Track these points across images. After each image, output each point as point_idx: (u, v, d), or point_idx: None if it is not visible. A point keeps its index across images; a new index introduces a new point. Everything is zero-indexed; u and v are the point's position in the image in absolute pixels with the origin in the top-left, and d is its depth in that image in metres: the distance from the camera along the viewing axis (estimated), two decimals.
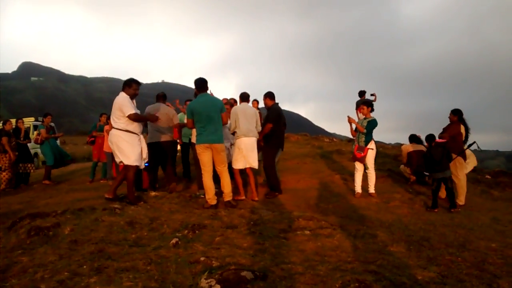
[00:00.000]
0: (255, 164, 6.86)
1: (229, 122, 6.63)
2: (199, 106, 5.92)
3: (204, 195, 6.34)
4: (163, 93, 7.67)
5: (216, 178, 6.27)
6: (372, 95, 11.39)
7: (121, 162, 5.92)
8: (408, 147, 9.01)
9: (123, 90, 5.93)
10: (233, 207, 5.89)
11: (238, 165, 6.76)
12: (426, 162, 7.08)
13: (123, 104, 5.76)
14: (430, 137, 7.21)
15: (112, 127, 5.87)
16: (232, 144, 7.08)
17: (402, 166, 9.15)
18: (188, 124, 6.14)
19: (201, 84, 6.11)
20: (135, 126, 5.88)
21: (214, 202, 6.00)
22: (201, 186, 6.78)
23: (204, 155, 6.00)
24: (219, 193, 6.23)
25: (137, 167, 5.91)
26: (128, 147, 5.79)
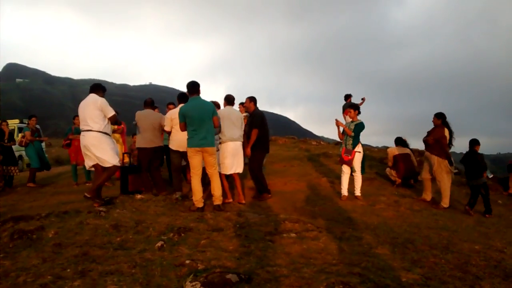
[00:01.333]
0: (240, 168, 6.87)
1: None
2: (191, 109, 5.90)
3: (181, 197, 6.41)
4: (151, 99, 7.63)
5: (203, 182, 6.30)
6: (362, 99, 11.45)
7: (92, 166, 6.00)
8: (393, 150, 9.08)
9: (96, 92, 5.96)
10: (221, 211, 5.87)
11: (225, 170, 6.72)
12: (470, 169, 7.20)
13: (106, 105, 5.82)
14: (472, 142, 7.36)
15: (86, 130, 5.79)
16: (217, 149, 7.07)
17: (388, 169, 9.23)
18: (180, 127, 6.11)
19: (193, 87, 6.07)
20: (110, 128, 6.03)
21: (201, 204, 5.99)
22: (178, 189, 6.90)
23: (195, 159, 5.98)
24: (208, 196, 6.24)
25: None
26: (112, 148, 5.87)
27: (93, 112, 5.74)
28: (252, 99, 7.44)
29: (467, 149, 7.33)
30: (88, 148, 5.79)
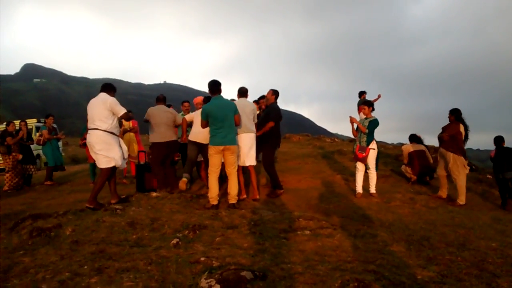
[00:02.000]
0: (253, 161, 6.88)
1: None
2: (215, 108, 5.99)
3: (188, 181, 6.71)
4: (163, 95, 7.70)
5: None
6: (378, 96, 11.36)
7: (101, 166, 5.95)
8: (408, 147, 9.01)
9: (107, 92, 5.94)
10: (235, 209, 5.90)
11: (239, 162, 6.72)
12: (497, 163, 7.41)
13: (115, 104, 5.79)
14: (498, 139, 7.54)
15: (93, 128, 5.76)
16: None
17: (403, 166, 9.15)
18: (202, 125, 6.20)
19: (215, 86, 6.18)
20: (118, 129, 6.02)
21: (215, 202, 6.04)
22: (186, 171, 6.95)
23: (216, 157, 6.06)
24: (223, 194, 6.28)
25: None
26: (118, 149, 5.87)
27: (102, 112, 5.73)
28: (275, 92, 7.41)
29: (486, 146, 7.42)
30: (92, 146, 5.76)
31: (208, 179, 6.19)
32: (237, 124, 6.27)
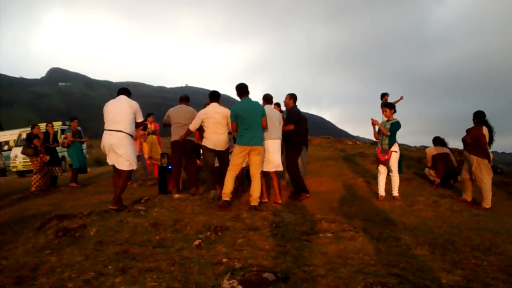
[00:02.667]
0: (279, 167, 6.88)
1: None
2: (244, 110, 6.10)
3: (216, 196, 6.62)
4: (186, 95, 7.76)
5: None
6: (400, 98, 11.27)
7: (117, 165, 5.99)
8: (432, 150, 8.87)
9: (126, 95, 6.09)
10: (257, 211, 5.90)
11: (264, 167, 6.71)
12: None
13: (139, 110, 5.98)
14: None
15: (116, 130, 5.81)
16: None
17: (426, 169, 9.02)
18: (232, 127, 6.28)
19: (242, 89, 6.32)
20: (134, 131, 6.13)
21: (228, 198, 6.13)
22: (210, 188, 6.96)
23: (239, 157, 6.12)
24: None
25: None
26: (132, 152, 5.95)
27: (129, 115, 5.85)
28: (292, 96, 7.41)
29: None
30: (115, 147, 5.76)
31: (225, 176, 6.23)
32: (264, 127, 6.33)
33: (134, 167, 6.01)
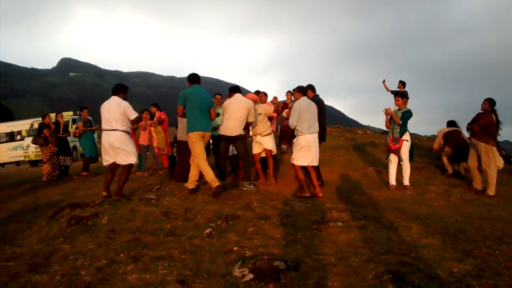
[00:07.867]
0: (316, 162, 6.78)
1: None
2: (193, 94, 6.20)
3: (251, 187, 6.69)
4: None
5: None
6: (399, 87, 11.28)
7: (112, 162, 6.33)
8: (444, 129, 8.83)
9: (117, 94, 6.36)
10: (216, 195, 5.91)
11: (303, 162, 6.65)
12: None
13: (128, 108, 6.25)
14: None
15: (111, 129, 6.16)
16: None
17: (444, 158, 8.84)
18: (179, 111, 6.35)
19: (195, 78, 6.45)
20: (130, 128, 6.47)
21: (193, 186, 6.29)
22: (246, 178, 6.91)
23: (200, 144, 6.15)
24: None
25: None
26: (131, 148, 6.31)
27: (118, 115, 6.16)
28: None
29: None
30: (113, 145, 6.15)
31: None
32: (212, 118, 6.45)
33: (134, 160, 6.34)
